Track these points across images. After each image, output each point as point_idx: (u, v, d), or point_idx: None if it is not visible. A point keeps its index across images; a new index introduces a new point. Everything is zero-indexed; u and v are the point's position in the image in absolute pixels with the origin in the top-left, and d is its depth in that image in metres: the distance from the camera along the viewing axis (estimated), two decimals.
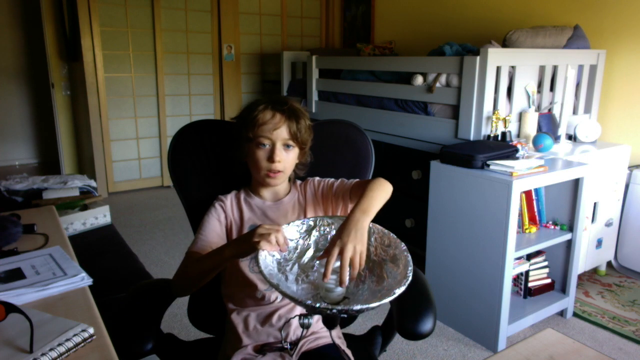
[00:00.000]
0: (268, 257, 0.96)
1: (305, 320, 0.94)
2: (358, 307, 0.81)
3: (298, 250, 1.04)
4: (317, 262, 1.02)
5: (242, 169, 1.24)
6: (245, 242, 0.99)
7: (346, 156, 1.38)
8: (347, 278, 0.91)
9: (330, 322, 0.94)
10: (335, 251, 0.93)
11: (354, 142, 1.38)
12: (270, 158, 1.16)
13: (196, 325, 1.42)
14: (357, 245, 0.94)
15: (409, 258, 0.94)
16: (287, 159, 1.18)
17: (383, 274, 0.97)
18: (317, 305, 0.82)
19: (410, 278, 0.89)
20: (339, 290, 0.93)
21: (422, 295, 1.13)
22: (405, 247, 0.97)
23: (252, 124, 1.15)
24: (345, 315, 0.85)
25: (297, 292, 0.96)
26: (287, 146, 1.18)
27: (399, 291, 0.86)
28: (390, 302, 1.17)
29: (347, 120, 1.41)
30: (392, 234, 1.01)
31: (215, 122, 1.36)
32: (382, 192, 1.12)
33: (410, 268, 0.92)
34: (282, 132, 1.15)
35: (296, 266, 1.01)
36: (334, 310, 0.82)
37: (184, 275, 1.13)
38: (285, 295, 0.85)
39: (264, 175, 1.18)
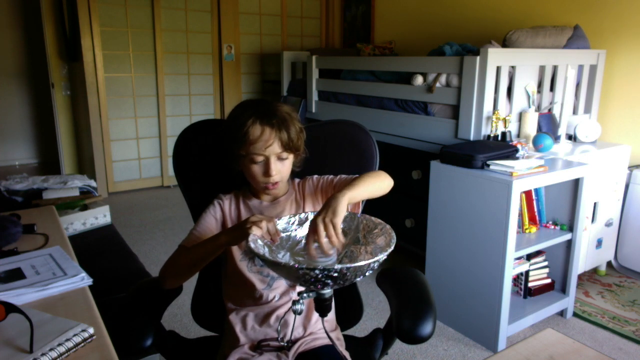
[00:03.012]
0: (259, 241, 0.98)
1: (297, 306, 0.94)
2: (339, 266, 0.83)
3: (290, 242, 1.06)
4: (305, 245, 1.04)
5: (239, 175, 1.23)
6: (238, 229, 1.01)
7: (350, 156, 1.37)
8: (326, 248, 0.95)
9: (320, 308, 0.95)
10: (310, 230, 0.97)
11: (358, 142, 1.37)
12: (266, 173, 1.14)
13: (199, 322, 1.42)
14: (326, 218, 0.96)
15: (393, 234, 0.97)
16: (282, 169, 1.16)
17: (373, 253, 0.99)
18: (297, 265, 0.84)
19: (392, 248, 0.92)
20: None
21: (421, 298, 1.13)
22: (389, 227, 1.00)
23: (242, 141, 1.12)
24: (330, 282, 0.86)
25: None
26: (281, 158, 1.15)
27: (381, 256, 0.88)
28: (390, 304, 1.18)
29: (351, 121, 1.39)
30: (379, 220, 1.03)
31: (218, 122, 1.36)
32: (373, 181, 1.13)
33: (393, 241, 0.94)
34: (274, 148, 1.12)
35: (287, 255, 1.03)
36: (316, 271, 0.83)
37: (175, 265, 1.13)
38: (268, 261, 0.88)
39: (262, 187, 1.18)
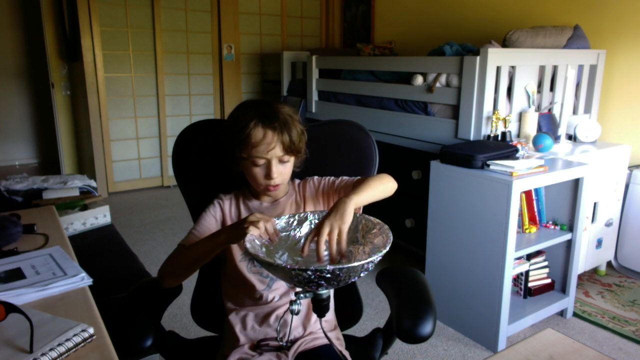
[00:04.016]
0: (256, 241, 0.98)
1: (294, 307, 0.94)
2: (331, 267, 0.83)
3: (289, 241, 1.06)
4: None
5: (240, 174, 1.23)
6: (237, 228, 1.01)
7: (350, 156, 1.38)
8: (324, 252, 0.95)
9: (318, 309, 0.96)
10: (314, 230, 0.97)
11: (357, 142, 1.37)
12: (268, 175, 1.13)
13: (199, 323, 1.42)
14: (335, 223, 0.96)
15: (390, 234, 0.97)
16: (284, 171, 1.16)
17: (370, 253, 0.99)
18: (289, 266, 0.84)
19: (387, 249, 0.92)
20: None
21: (421, 297, 1.13)
22: (387, 227, 1.00)
23: (244, 144, 1.11)
24: (324, 283, 0.86)
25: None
26: (282, 161, 1.15)
27: (375, 257, 0.87)
28: (390, 304, 1.18)
29: (351, 121, 1.39)
30: (377, 220, 1.03)
31: (217, 122, 1.36)
32: (378, 184, 1.13)
33: (389, 242, 0.94)
34: (276, 151, 1.12)
35: (286, 255, 1.04)
36: (308, 272, 0.83)
37: (174, 264, 1.13)
38: (262, 261, 0.88)
39: (263, 189, 1.18)
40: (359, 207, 1.17)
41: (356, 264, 0.84)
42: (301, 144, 1.18)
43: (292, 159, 1.18)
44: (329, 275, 0.84)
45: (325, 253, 0.97)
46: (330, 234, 0.95)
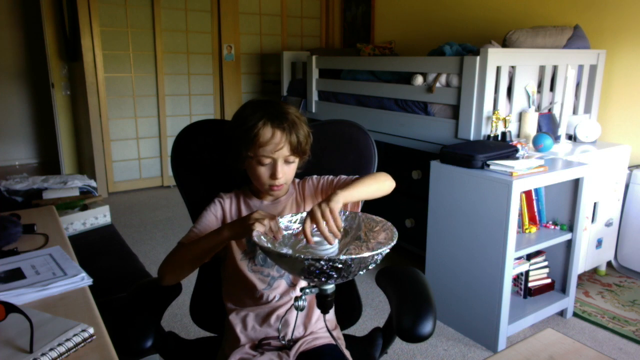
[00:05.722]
0: (262, 237, 0.99)
1: (299, 302, 0.95)
2: (344, 257, 0.84)
3: (292, 240, 1.07)
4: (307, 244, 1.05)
5: (241, 173, 1.23)
6: (240, 224, 1.02)
7: (349, 156, 1.38)
8: (327, 233, 0.95)
9: (323, 304, 0.96)
10: (306, 218, 0.97)
11: (356, 142, 1.37)
12: (273, 175, 1.14)
13: (198, 323, 1.42)
14: (323, 204, 0.96)
15: (394, 230, 0.98)
16: (288, 171, 1.17)
17: (376, 248, 1.00)
18: (303, 256, 0.84)
19: (394, 242, 0.93)
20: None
21: (421, 296, 1.13)
22: (390, 224, 1.01)
23: (252, 143, 1.11)
24: (335, 274, 0.87)
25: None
26: (288, 161, 1.15)
27: (385, 249, 0.89)
28: (390, 303, 1.18)
29: (350, 120, 1.40)
30: (379, 218, 1.04)
31: (217, 122, 1.36)
32: (373, 182, 1.14)
33: (395, 235, 0.96)
34: (283, 151, 1.12)
35: (290, 252, 1.03)
36: (321, 262, 0.84)
37: (175, 261, 1.13)
38: (273, 254, 0.89)
39: (266, 189, 1.18)
40: (354, 203, 1.18)
41: (367, 254, 0.86)
42: (307, 145, 1.18)
43: (297, 160, 1.18)
44: (340, 266, 0.85)
45: (333, 240, 0.97)
46: (323, 214, 0.95)
